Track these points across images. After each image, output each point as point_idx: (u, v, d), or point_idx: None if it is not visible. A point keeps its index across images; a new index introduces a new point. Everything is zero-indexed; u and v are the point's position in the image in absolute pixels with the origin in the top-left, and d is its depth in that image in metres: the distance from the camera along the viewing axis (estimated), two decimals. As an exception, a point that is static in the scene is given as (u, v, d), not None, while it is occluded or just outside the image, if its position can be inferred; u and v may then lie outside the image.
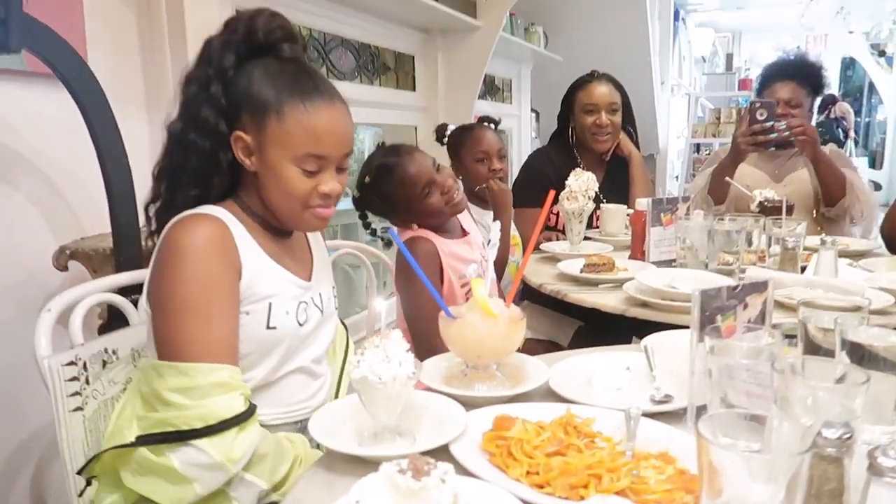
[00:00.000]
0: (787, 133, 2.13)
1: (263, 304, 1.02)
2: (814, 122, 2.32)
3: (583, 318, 2.00)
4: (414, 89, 2.87)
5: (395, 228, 1.54)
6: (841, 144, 7.55)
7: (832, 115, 8.39)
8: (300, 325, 1.07)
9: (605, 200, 2.33)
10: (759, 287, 1.00)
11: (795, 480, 0.58)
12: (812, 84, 2.34)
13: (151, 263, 0.99)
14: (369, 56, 2.59)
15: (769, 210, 2.01)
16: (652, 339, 1.22)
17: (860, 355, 0.91)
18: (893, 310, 1.37)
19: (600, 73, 2.43)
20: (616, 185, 2.40)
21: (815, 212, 2.30)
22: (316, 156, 1.01)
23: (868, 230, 2.23)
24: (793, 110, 2.27)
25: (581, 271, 1.66)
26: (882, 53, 9.31)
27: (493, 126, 2.15)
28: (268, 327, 1.03)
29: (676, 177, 6.07)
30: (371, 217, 1.61)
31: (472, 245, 1.63)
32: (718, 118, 5.65)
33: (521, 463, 0.79)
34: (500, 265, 1.93)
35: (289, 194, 1.02)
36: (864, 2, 6.91)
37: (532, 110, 4.15)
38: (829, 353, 0.94)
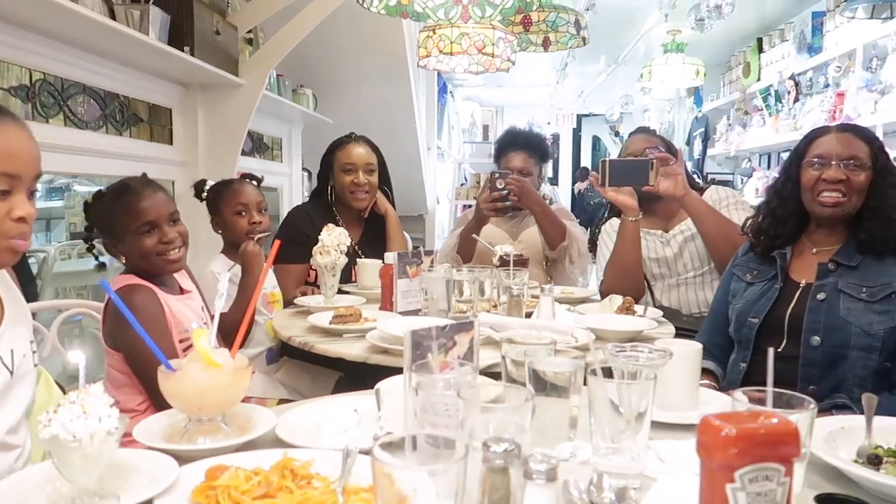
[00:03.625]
0: (512, 196, 2.41)
1: None
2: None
3: (342, 369, 2.04)
4: (171, 143, 2.78)
5: (108, 280, 1.47)
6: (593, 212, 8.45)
7: (584, 188, 9.38)
8: None
9: (362, 255, 2.42)
10: (466, 326, 1.11)
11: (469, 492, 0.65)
12: (539, 153, 2.69)
13: None
14: (117, 106, 2.46)
15: (507, 263, 2.24)
16: (387, 383, 1.29)
17: (543, 383, 1.05)
18: (594, 346, 1.59)
19: (358, 135, 2.55)
20: (374, 241, 2.51)
21: (545, 262, 2.61)
22: (8, 174, 0.97)
23: (584, 269, 2.58)
24: (524, 178, 2.58)
25: (330, 323, 1.71)
26: (617, 133, 10.88)
27: (254, 182, 2.15)
28: None
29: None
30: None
31: (191, 305, 1.61)
32: (479, 182, 6.18)
33: (228, 509, 0.79)
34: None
35: None
36: (600, 87, 8.06)
37: (304, 169, 4.20)
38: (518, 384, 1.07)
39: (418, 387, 0.96)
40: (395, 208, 2.57)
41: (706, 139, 6.54)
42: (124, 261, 1.55)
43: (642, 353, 1.10)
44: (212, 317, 1.31)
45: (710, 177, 6.26)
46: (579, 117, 10.90)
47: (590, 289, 2.48)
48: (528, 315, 1.82)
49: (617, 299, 1.92)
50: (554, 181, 9.95)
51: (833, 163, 1.54)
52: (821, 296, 1.53)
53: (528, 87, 8.57)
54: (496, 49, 3.24)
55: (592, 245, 2.44)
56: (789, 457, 0.66)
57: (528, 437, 0.85)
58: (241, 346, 1.11)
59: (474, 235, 2.43)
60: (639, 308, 1.93)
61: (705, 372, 1.66)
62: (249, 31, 3.09)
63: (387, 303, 1.91)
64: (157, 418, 1.08)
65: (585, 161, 11.70)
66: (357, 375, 1.71)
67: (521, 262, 2.34)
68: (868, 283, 1.49)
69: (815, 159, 1.57)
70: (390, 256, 1.90)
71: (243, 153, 3.29)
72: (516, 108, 10.40)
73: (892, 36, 3.60)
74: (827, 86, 4.38)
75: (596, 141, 12.45)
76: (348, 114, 4.04)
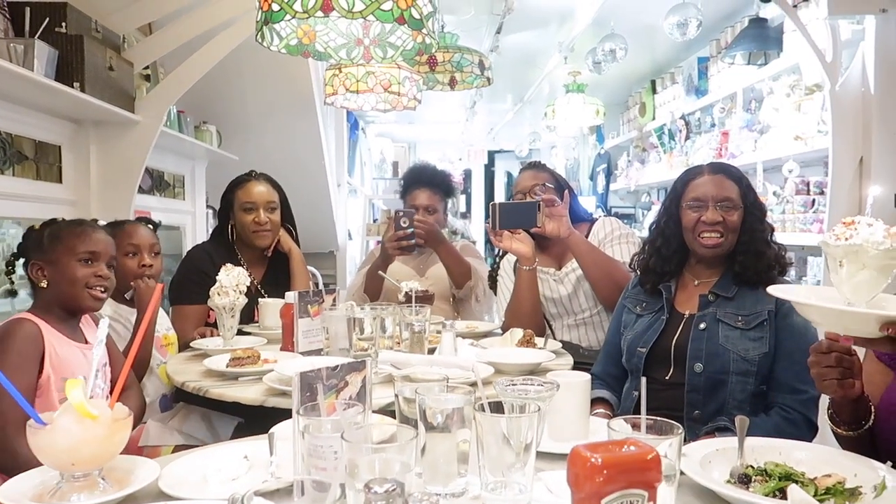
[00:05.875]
0: (418, 238, 2.44)
1: None
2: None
3: (242, 414, 1.97)
4: (60, 181, 2.65)
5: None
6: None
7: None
8: None
9: (266, 295, 2.38)
10: (358, 366, 1.11)
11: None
12: (444, 190, 2.74)
13: None
14: (-1, 144, 2.33)
15: (413, 299, 2.25)
16: (282, 426, 1.26)
17: (434, 420, 1.06)
18: (493, 378, 1.62)
19: (258, 173, 2.51)
20: (278, 280, 2.46)
21: (452, 298, 2.64)
22: None
23: (490, 307, 2.62)
24: (429, 216, 2.62)
25: (227, 366, 1.66)
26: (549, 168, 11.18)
27: (150, 225, 2.08)
28: None
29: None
30: None
31: (89, 356, 1.54)
32: (390, 219, 6.15)
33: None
34: (141, 366, 1.84)
35: None
36: (509, 124, 8.30)
37: (209, 206, 4.09)
38: (411, 422, 1.07)
39: (305, 430, 0.95)
40: (299, 246, 2.54)
41: (609, 174, 6.84)
42: (44, 285, 1.52)
43: (531, 387, 1.13)
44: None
45: (613, 210, 6.54)
46: (491, 153, 11.16)
47: (495, 323, 2.53)
48: (432, 351, 1.83)
49: (518, 332, 1.97)
50: (466, 215, 10.12)
51: (710, 205, 1.66)
52: (702, 325, 1.62)
53: (439, 123, 8.72)
54: (402, 88, 3.30)
55: (492, 281, 2.48)
56: (652, 482, 0.70)
57: (414, 475, 0.86)
58: (125, 391, 1.07)
59: (381, 273, 2.43)
60: (539, 341, 1.98)
61: (601, 401, 1.72)
62: (147, 68, 3.01)
63: (288, 343, 1.87)
64: (29, 476, 1.01)
65: (500, 196, 11.97)
66: (258, 420, 1.66)
67: (426, 298, 2.37)
68: (743, 312, 1.60)
69: (693, 202, 1.68)
70: (290, 295, 1.87)
71: (142, 191, 3.17)
72: (428, 144, 10.54)
73: (766, 81, 3.92)
74: (713, 125, 4.70)
75: (509, 176, 12.79)
76: (255, 150, 3.98)
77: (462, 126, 8.41)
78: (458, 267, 2.53)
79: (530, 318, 2.14)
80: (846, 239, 0.95)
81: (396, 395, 1.12)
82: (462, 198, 9.81)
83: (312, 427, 0.94)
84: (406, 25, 2.04)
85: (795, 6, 3.33)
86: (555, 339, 2.21)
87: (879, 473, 1.00)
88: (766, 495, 0.96)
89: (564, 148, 8.93)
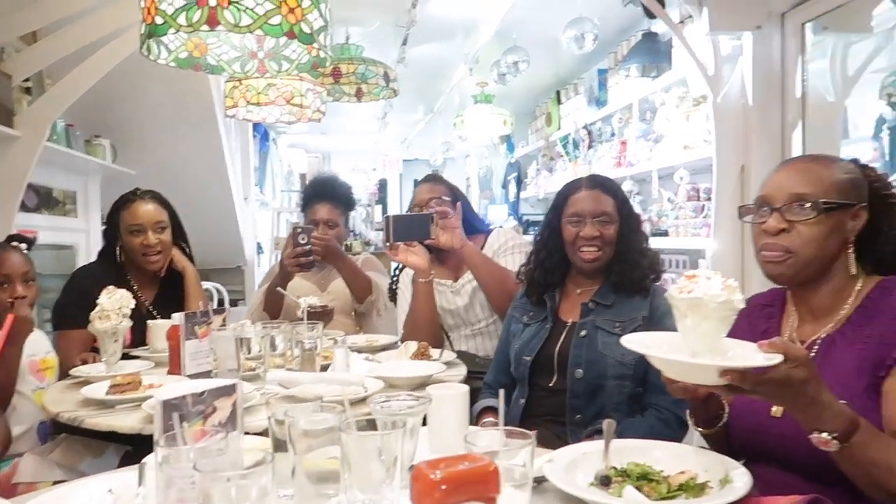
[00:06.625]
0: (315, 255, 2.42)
1: None
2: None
3: (130, 443, 1.90)
4: (-71, 201, 2.49)
5: None
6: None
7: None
8: None
9: (159, 316, 2.30)
10: (228, 390, 1.09)
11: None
12: (345, 203, 2.73)
13: None
14: None
15: (312, 315, 2.23)
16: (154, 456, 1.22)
17: (306, 440, 1.05)
18: (389, 393, 1.62)
19: (144, 191, 2.40)
20: (172, 300, 2.38)
21: (353, 312, 2.63)
22: None
23: (392, 321, 2.63)
24: (330, 230, 2.60)
25: (106, 393, 1.59)
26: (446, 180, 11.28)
27: (23, 246, 1.97)
28: None
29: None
30: None
31: None
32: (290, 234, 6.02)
33: None
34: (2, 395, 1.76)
35: None
36: (421, 134, 8.35)
37: (105, 223, 3.92)
38: (283, 445, 1.07)
39: (163, 461, 0.93)
40: (193, 263, 2.47)
41: (519, 183, 6.99)
42: None
43: (404, 402, 1.14)
44: None
45: (524, 218, 6.69)
46: (406, 163, 11.20)
47: (396, 336, 2.53)
48: (326, 368, 1.82)
49: (412, 345, 1.98)
50: (381, 227, 10.10)
51: (588, 221, 1.73)
52: (583, 333, 1.69)
53: (353, 133, 8.67)
54: (305, 100, 3.27)
55: (392, 294, 2.49)
56: (490, 493, 0.72)
57: (278, 498, 0.85)
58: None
59: (279, 289, 2.40)
60: (435, 352, 2.00)
61: (491, 410, 1.75)
62: (27, 80, 2.86)
63: (175, 366, 1.82)
64: None
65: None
66: (146, 448, 1.60)
67: (325, 313, 2.36)
68: (620, 319, 1.67)
69: (572, 217, 1.76)
70: (178, 317, 1.82)
71: (27, 209, 3.02)
72: (343, 155, 10.47)
73: (658, 92, 4.11)
74: (613, 135, 4.88)
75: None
76: (153, 165, 3.85)
77: (375, 136, 8.41)
78: (357, 282, 2.52)
79: (428, 329, 2.17)
80: (688, 292, 1.01)
81: (269, 418, 1.11)
82: (378, 208, 9.78)
83: (171, 457, 0.92)
84: (296, 40, 2.03)
85: (681, 22, 3.52)
86: (452, 349, 2.24)
87: (727, 468, 1.07)
88: (620, 496, 1.01)
89: (477, 157, 9.07)
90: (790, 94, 3.07)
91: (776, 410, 1.17)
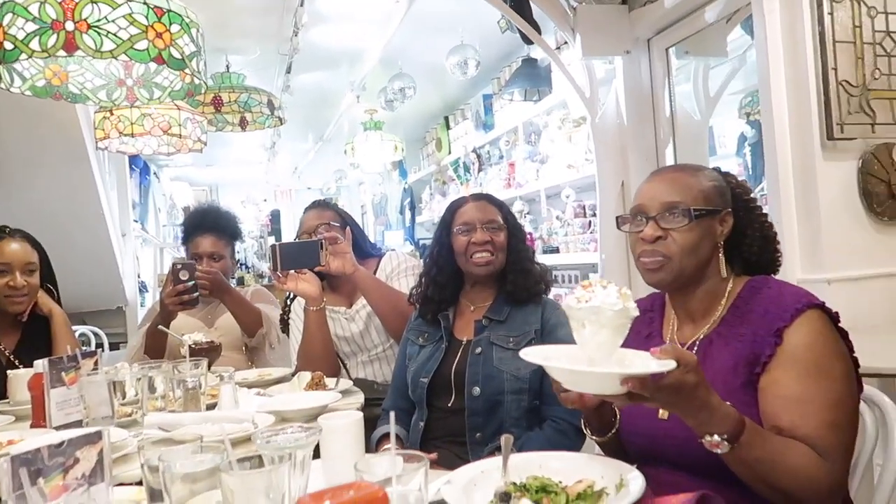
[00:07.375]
0: (202, 290, 2.30)
1: None
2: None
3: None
4: None
5: None
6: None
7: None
8: None
9: (21, 365, 2.10)
10: (92, 438, 0.99)
11: None
12: (230, 233, 2.61)
13: None
14: None
15: (197, 352, 2.10)
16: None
17: (185, 485, 0.97)
18: (276, 427, 1.54)
19: (13, 230, 2.22)
20: (37, 346, 2.17)
21: (245, 347, 2.51)
22: None
23: (285, 354, 2.53)
24: (215, 263, 2.48)
25: (-45, 455, 1.41)
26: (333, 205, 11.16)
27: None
28: None
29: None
30: None
31: None
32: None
33: None
34: None
35: None
36: (313, 163, 8.22)
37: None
38: (159, 494, 0.98)
39: (13, 523, 0.82)
40: (61, 306, 2.27)
41: (413, 208, 7.02)
42: None
43: (292, 434, 1.08)
44: None
45: (420, 242, 6.71)
46: (297, 192, 11.00)
47: (290, 368, 2.43)
48: (212, 407, 1.71)
49: (306, 376, 1.91)
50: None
51: (478, 227, 1.75)
52: (478, 350, 1.68)
53: (241, 164, 8.43)
54: (184, 129, 3.13)
55: (284, 325, 2.39)
56: (380, 522, 0.68)
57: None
58: None
59: (161, 327, 2.25)
60: (330, 381, 1.94)
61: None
62: None
63: (39, 419, 1.65)
64: None
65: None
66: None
67: (212, 349, 2.23)
68: (514, 333, 1.68)
69: (462, 226, 1.77)
70: (40, 364, 1.66)
71: None
72: (231, 187, 10.15)
73: (541, 115, 4.26)
74: (501, 157, 5.01)
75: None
76: (20, 204, 3.53)
77: (265, 166, 8.21)
78: (246, 315, 2.42)
79: (323, 359, 2.09)
80: (586, 301, 1.02)
81: (142, 466, 1.02)
82: (271, 239, 9.51)
83: (22, 518, 0.82)
84: (166, 66, 1.92)
85: (558, 48, 3.67)
86: (349, 377, 2.17)
87: (621, 473, 1.08)
88: (520, 511, 0.99)
89: (371, 184, 9.05)
90: (661, 113, 3.26)
91: (663, 413, 1.20)
